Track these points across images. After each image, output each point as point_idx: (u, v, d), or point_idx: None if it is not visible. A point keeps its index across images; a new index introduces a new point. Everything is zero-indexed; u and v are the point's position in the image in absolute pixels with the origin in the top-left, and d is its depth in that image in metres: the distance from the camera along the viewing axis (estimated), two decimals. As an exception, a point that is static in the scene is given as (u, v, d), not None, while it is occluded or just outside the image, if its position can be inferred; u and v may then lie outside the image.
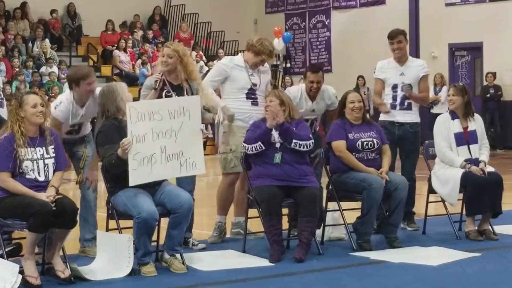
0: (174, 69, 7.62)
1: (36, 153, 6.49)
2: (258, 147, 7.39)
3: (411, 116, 8.60)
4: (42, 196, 6.31)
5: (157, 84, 7.56)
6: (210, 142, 20.70)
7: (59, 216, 6.27)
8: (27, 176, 6.43)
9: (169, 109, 6.83)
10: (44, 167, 6.51)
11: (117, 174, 6.74)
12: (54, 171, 6.57)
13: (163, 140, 6.78)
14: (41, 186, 6.45)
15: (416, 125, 8.62)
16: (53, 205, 6.24)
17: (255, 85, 8.17)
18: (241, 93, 8.13)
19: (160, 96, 7.50)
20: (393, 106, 8.56)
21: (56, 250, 6.50)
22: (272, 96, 7.59)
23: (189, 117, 6.91)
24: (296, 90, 8.44)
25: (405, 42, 8.61)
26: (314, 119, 8.38)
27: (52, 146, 6.58)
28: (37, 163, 6.48)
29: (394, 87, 8.55)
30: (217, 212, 8.24)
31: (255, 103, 8.15)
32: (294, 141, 7.39)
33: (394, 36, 8.61)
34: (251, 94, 8.17)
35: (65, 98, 7.39)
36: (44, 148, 6.54)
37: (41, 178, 6.49)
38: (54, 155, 6.58)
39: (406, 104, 8.56)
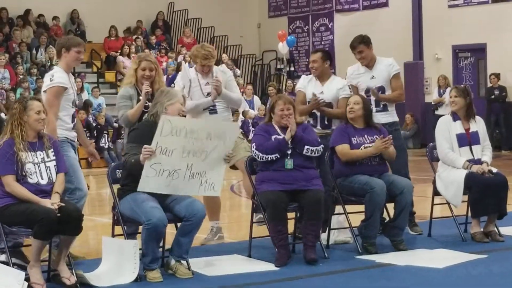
0: (153, 81, 7.76)
1: (36, 157, 6.52)
2: (274, 158, 7.39)
3: (389, 117, 8.55)
4: (47, 202, 6.32)
5: (148, 95, 7.63)
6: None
7: (64, 223, 6.28)
8: (30, 181, 6.44)
9: (210, 131, 6.89)
10: (46, 170, 6.54)
11: (133, 174, 6.75)
12: (56, 173, 6.59)
13: (192, 159, 6.82)
14: (44, 191, 6.46)
15: (394, 124, 8.59)
16: (57, 212, 6.25)
17: (209, 94, 8.22)
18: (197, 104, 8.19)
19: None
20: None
21: (62, 257, 6.50)
22: (289, 104, 7.53)
23: (224, 142, 6.98)
24: (308, 77, 8.55)
25: (367, 49, 8.53)
26: (329, 104, 8.33)
27: (52, 150, 6.62)
28: (38, 166, 6.50)
29: (367, 91, 8.51)
30: (208, 218, 8.33)
31: (213, 111, 8.24)
32: (306, 147, 7.41)
33: (354, 46, 8.59)
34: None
35: (55, 70, 7.45)
36: (44, 152, 6.57)
37: (44, 181, 6.50)
38: (54, 158, 6.61)
39: (381, 105, 8.53)
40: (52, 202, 6.32)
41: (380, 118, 8.44)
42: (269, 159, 7.38)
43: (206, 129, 6.88)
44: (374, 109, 8.45)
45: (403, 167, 8.45)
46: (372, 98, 8.48)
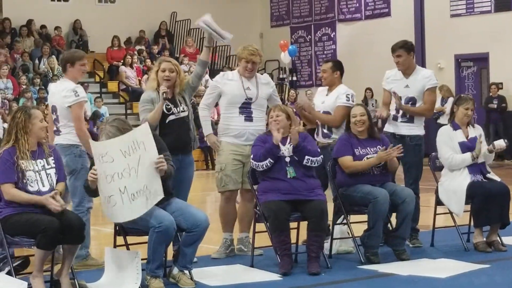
0: (173, 83, 7.67)
1: (37, 165, 6.53)
2: (268, 164, 7.37)
3: (413, 129, 8.42)
4: (47, 198, 6.32)
5: (167, 94, 7.54)
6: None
7: (67, 231, 6.27)
8: (30, 189, 6.43)
9: (121, 148, 6.52)
10: (47, 177, 6.55)
11: None
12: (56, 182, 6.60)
13: (120, 181, 6.50)
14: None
15: (417, 137, 8.44)
16: (59, 206, 6.30)
17: (250, 98, 8.05)
18: (234, 107, 8.03)
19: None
20: (395, 118, 8.42)
21: (65, 267, 6.47)
22: (279, 111, 7.56)
23: (144, 148, 6.58)
24: (323, 88, 8.59)
25: (407, 55, 8.34)
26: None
27: (52, 158, 6.63)
28: (39, 173, 6.51)
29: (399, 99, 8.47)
30: (222, 229, 8.21)
31: (249, 118, 8.03)
32: (306, 157, 7.39)
33: (393, 49, 8.42)
34: (245, 109, 8.04)
35: (73, 85, 7.65)
36: (44, 159, 6.59)
37: (45, 188, 6.49)
38: (54, 165, 6.62)
39: (408, 116, 8.40)
40: (51, 195, 6.35)
41: (403, 129, 8.38)
42: (264, 165, 7.36)
43: (116, 149, 6.51)
44: (399, 119, 8.40)
45: (413, 184, 8.34)
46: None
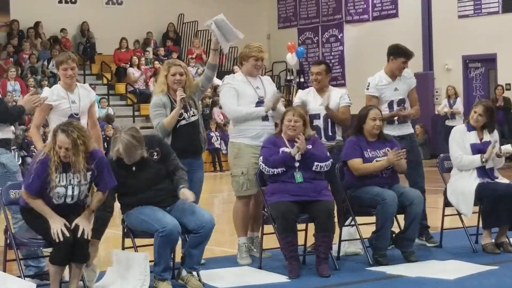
0: (183, 86, 7.66)
1: (73, 179, 6.32)
2: (280, 171, 7.37)
3: (408, 128, 8.55)
4: (60, 223, 6.19)
5: (185, 101, 7.57)
6: (224, 158, 20.75)
7: (73, 246, 6.20)
8: (55, 202, 6.31)
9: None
10: (79, 194, 6.37)
11: (126, 202, 6.88)
12: (96, 190, 6.48)
13: None
14: (66, 210, 6.33)
15: (413, 135, 8.62)
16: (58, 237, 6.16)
17: (262, 97, 7.98)
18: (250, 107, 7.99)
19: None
20: (391, 122, 8.43)
21: (74, 285, 6.37)
22: (297, 116, 7.52)
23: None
24: (307, 90, 8.49)
25: None
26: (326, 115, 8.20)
27: (90, 173, 6.37)
28: (72, 188, 6.33)
29: (390, 103, 8.46)
30: (237, 234, 8.05)
31: (265, 118, 7.92)
32: (316, 164, 7.39)
33: (410, 55, 8.55)
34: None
35: (52, 87, 7.70)
36: (82, 174, 6.34)
37: (72, 202, 6.36)
38: (90, 180, 6.40)
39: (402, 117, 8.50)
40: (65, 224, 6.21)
41: (401, 130, 8.43)
42: (275, 172, 7.37)
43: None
44: (395, 122, 8.44)
45: (420, 180, 8.39)
46: (395, 110, 8.41)
